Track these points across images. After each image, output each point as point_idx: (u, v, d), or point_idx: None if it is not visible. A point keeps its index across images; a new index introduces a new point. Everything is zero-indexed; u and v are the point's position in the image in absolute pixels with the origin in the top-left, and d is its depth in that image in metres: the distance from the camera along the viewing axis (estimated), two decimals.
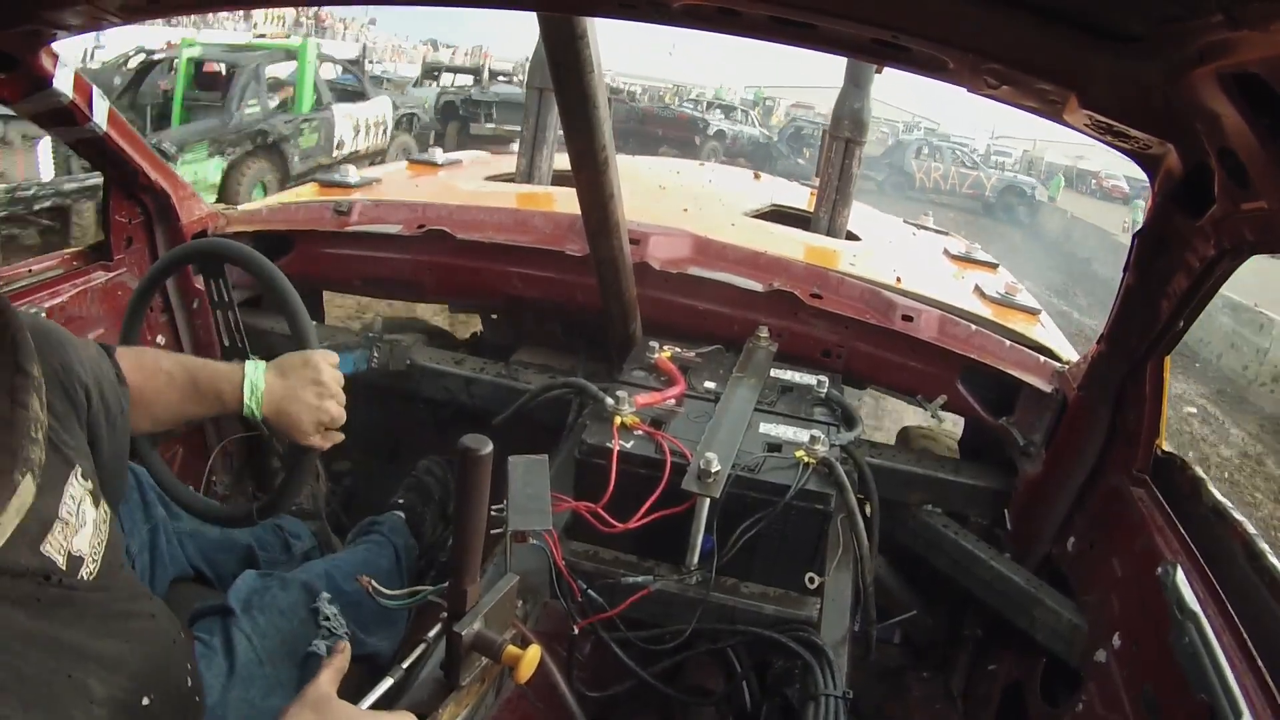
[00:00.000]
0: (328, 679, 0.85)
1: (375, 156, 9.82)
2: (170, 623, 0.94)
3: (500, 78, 15.81)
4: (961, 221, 13.81)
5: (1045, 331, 1.93)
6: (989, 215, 15.94)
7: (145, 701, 0.81)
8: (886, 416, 4.63)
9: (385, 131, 10.24)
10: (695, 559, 1.24)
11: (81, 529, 0.77)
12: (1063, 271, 11.34)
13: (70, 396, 0.84)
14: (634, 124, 16.41)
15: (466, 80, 15.45)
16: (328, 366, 1.12)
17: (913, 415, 3.58)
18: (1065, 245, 13.89)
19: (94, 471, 0.84)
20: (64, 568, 0.74)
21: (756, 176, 3.51)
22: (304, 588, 1.27)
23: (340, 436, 1.16)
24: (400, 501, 1.81)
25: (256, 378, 1.09)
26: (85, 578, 0.77)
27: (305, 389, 1.10)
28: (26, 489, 0.67)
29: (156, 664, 0.86)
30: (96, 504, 0.81)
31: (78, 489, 0.78)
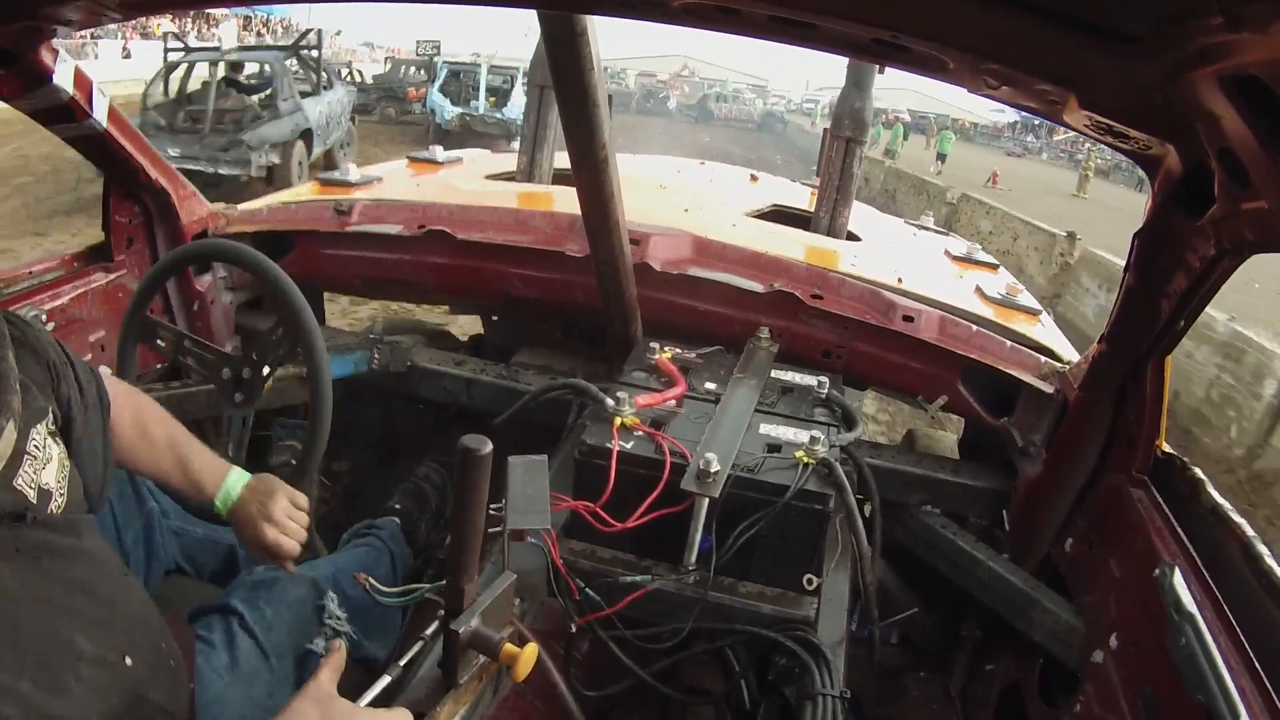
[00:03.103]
0: (327, 677, 0.86)
1: None
2: (143, 593, 0.96)
3: None
4: (741, 133, 30.21)
5: (1046, 332, 1.93)
6: (758, 131, 32.21)
7: (128, 662, 0.83)
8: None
9: None
10: (694, 558, 1.24)
11: (48, 464, 0.81)
12: (783, 151, 24.79)
13: (43, 367, 0.90)
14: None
15: None
16: (285, 502, 1.18)
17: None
18: (792, 140, 29.76)
19: (60, 423, 0.89)
20: (34, 501, 0.78)
21: (753, 179, 3.49)
22: (313, 584, 1.28)
23: (290, 562, 1.20)
24: (396, 507, 1.81)
25: (234, 486, 1.17)
26: (54, 511, 0.81)
27: (263, 518, 1.16)
28: (9, 435, 0.73)
29: (137, 625, 0.88)
30: (57, 441, 0.85)
31: (42, 430, 0.82)
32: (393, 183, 2.51)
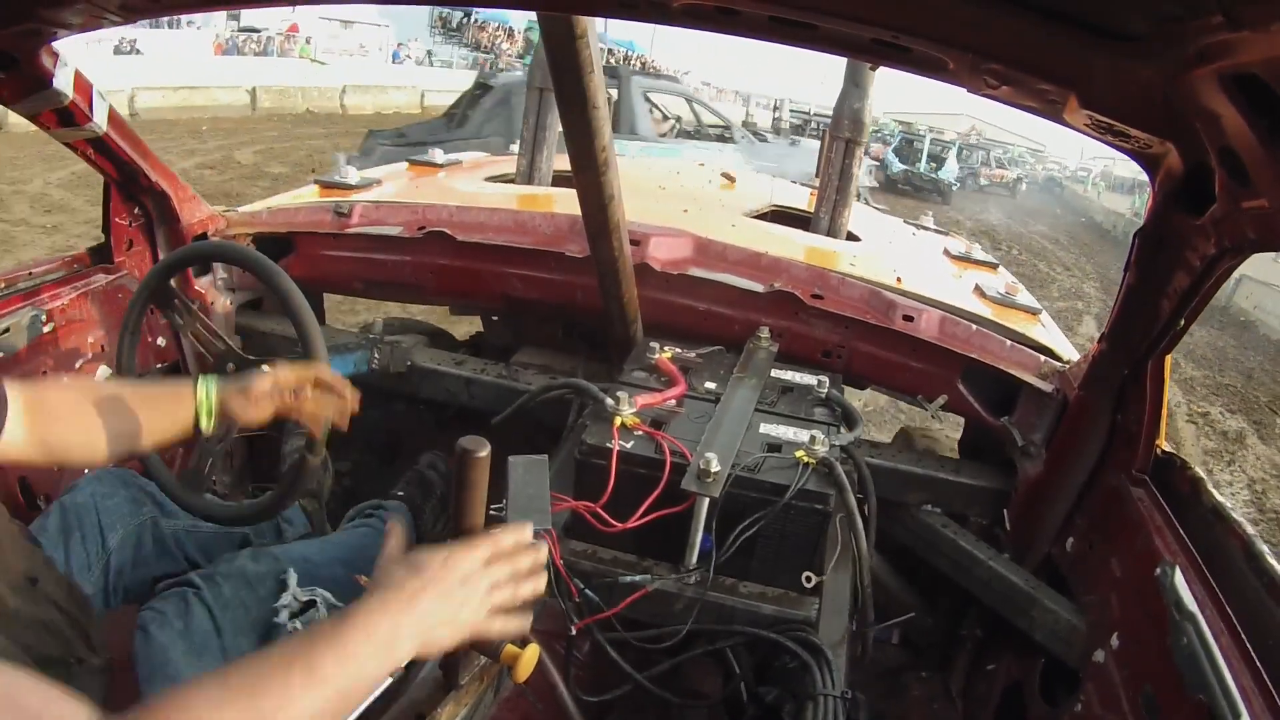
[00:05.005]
0: (395, 545, 0.85)
1: None
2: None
3: None
4: (1031, 193, 28.92)
5: (1045, 331, 1.93)
6: (1043, 192, 32.29)
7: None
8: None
9: None
10: (694, 559, 1.24)
11: None
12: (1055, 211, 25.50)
13: None
14: None
15: None
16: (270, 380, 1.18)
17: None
18: (1059, 197, 32.27)
19: None
20: None
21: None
22: (275, 560, 1.27)
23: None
24: (400, 494, 1.81)
25: (209, 388, 1.16)
26: None
27: (279, 394, 1.17)
28: None
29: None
30: None
31: None
32: (393, 185, 2.51)
